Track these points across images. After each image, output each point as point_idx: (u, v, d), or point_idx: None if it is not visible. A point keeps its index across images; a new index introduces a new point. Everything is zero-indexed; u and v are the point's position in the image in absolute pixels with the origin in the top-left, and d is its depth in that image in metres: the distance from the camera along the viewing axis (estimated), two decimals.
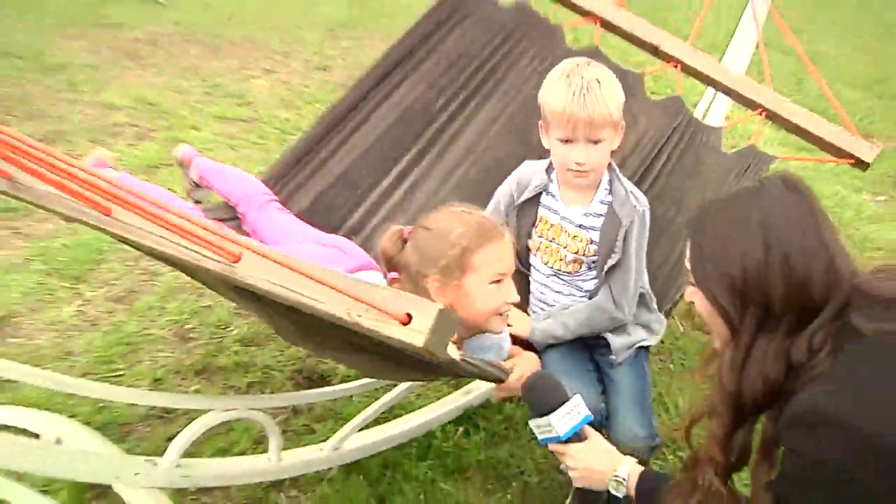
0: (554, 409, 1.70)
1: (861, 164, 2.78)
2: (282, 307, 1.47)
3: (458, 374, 1.96)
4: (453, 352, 1.48)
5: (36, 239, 3.65)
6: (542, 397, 1.73)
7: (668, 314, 2.47)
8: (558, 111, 2.01)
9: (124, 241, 1.66)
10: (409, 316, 1.17)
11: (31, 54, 6.23)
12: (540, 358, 2.19)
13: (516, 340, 2.18)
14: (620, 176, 2.21)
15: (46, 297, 3.29)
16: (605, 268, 2.17)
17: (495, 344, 2.04)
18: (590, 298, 2.26)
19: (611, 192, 2.19)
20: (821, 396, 1.23)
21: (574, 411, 1.72)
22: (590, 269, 2.23)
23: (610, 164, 2.19)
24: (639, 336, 2.25)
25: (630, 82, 2.74)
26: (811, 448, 1.24)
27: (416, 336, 1.17)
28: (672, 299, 2.50)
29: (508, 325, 2.09)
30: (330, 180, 2.79)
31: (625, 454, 1.74)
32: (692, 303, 1.50)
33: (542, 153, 2.74)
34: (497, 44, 2.96)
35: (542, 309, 2.33)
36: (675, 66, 2.96)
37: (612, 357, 2.20)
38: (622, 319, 2.22)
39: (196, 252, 1.35)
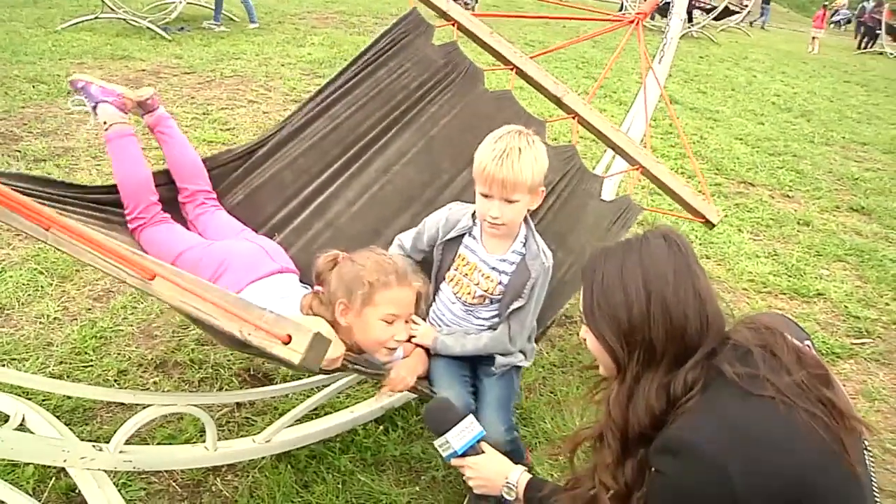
0: (449, 429, 1.70)
1: (709, 224, 2.82)
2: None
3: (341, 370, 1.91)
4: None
5: (34, 241, 3.52)
6: (439, 420, 1.73)
7: (537, 340, 2.42)
8: (480, 169, 2.00)
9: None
10: (290, 337, 1.16)
11: (54, 81, 6.14)
12: (429, 359, 2.24)
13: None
14: (535, 233, 2.18)
15: (36, 292, 3.18)
16: (509, 310, 2.16)
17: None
18: (482, 327, 2.26)
19: (525, 245, 2.16)
20: (686, 427, 1.23)
21: (467, 429, 1.71)
22: (491, 303, 2.21)
23: (527, 220, 2.16)
24: (517, 359, 2.25)
25: (534, 126, 2.72)
26: (673, 471, 1.23)
27: (293, 354, 1.17)
28: (544, 326, 2.45)
29: (413, 337, 2.18)
30: (260, 181, 2.65)
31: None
32: (584, 339, 1.46)
33: (447, 181, 2.73)
34: (424, 79, 2.86)
35: (438, 325, 2.31)
36: (574, 118, 2.93)
37: (493, 369, 2.20)
38: (512, 351, 2.23)
39: (119, 269, 1.33)
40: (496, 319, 2.23)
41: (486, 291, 2.17)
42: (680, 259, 1.33)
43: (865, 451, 1.26)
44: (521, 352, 2.25)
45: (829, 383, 1.24)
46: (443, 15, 2.99)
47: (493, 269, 2.15)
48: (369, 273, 1.90)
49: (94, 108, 2.39)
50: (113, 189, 2.33)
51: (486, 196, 2.03)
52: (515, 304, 2.14)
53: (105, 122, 2.36)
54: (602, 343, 1.38)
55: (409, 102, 2.84)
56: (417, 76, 2.87)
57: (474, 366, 2.27)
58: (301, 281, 2.29)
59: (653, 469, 1.29)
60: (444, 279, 2.26)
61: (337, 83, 2.80)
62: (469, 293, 2.20)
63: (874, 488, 1.25)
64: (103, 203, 2.32)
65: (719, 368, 1.25)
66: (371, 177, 2.73)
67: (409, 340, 2.19)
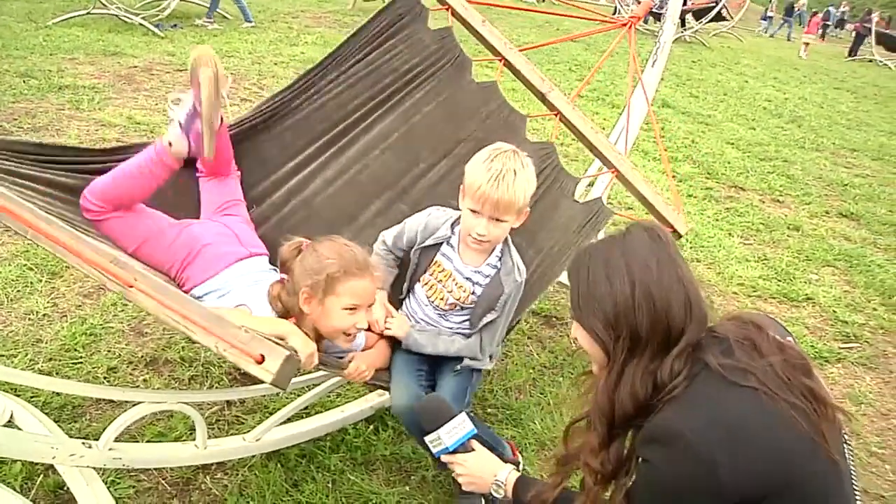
0: (441, 425, 1.73)
1: (676, 234, 2.87)
2: None
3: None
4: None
5: (23, 237, 3.49)
6: (432, 416, 1.77)
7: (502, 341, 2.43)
8: (474, 188, 2.01)
9: None
10: (263, 357, 1.23)
11: (45, 76, 6.08)
12: (395, 351, 2.26)
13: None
14: (512, 248, 2.21)
15: (25, 289, 3.16)
16: (482, 323, 2.20)
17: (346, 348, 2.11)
18: (453, 330, 2.28)
19: (500, 260, 2.19)
20: (674, 417, 1.26)
21: (459, 427, 1.75)
22: (462, 309, 2.24)
23: (506, 237, 2.18)
24: (482, 363, 2.27)
25: (515, 120, 2.78)
26: (661, 460, 1.26)
27: (266, 374, 1.26)
28: (512, 327, 2.45)
29: (388, 329, 2.22)
30: (244, 155, 2.60)
31: None
32: (575, 338, 1.49)
33: (424, 169, 2.73)
34: (415, 63, 2.85)
35: (410, 322, 2.32)
36: (556, 116, 2.94)
37: (457, 367, 2.22)
38: (482, 359, 2.26)
39: (102, 276, 1.45)
40: (466, 325, 2.26)
41: (458, 300, 2.20)
42: (662, 249, 1.37)
43: (845, 444, 1.28)
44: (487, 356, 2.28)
45: (810, 373, 1.27)
46: None
47: (468, 279, 2.18)
48: (331, 264, 1.94)
49: (180, 127, 2.14)
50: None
51: (475, 212, 2.05)
52: (488, 318, 2.18)
53: (169, 143, 2.11)
54: (592, 336, 1.40)
55: (397, 86, 2.84)
56: (409, 59, 2.86)
57: (434, 361, 2.28)
58: (270, 262, 2.30)
59: (640, 458, 1.32)
60: (420, 281, 2.28)
61: (333, 59, 2.78)
62: (442, 299, 2.22)
63: (853, 479, 1.27)
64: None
65: (704, 360, 1.28)
66: (351, 159, 2.73)
67: (381, 333, 2.23)
